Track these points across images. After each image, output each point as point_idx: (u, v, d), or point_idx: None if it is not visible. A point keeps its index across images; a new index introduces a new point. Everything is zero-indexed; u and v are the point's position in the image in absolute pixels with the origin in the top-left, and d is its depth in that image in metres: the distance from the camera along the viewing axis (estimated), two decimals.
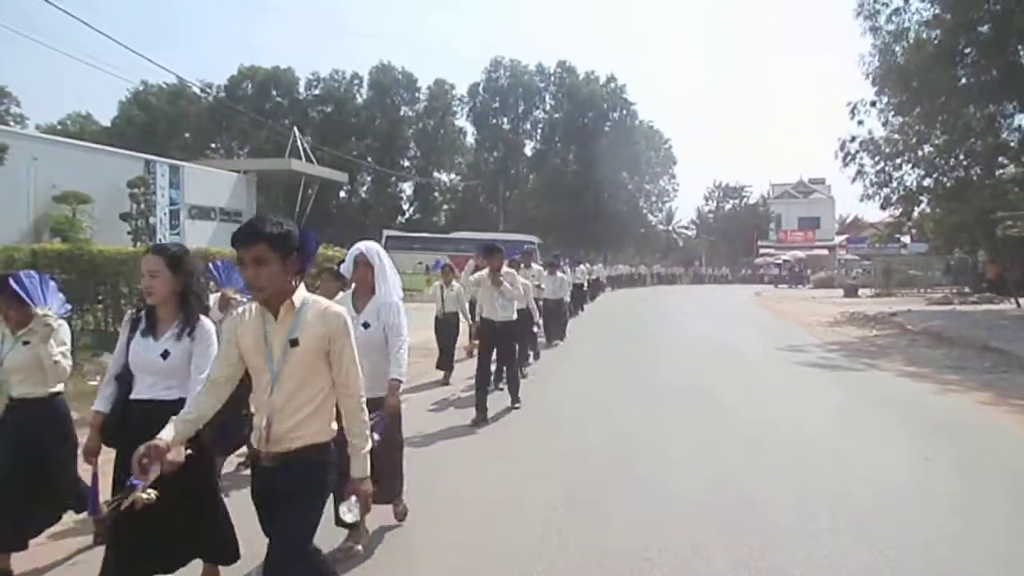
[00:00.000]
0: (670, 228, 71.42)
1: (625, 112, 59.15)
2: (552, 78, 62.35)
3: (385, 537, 4.28)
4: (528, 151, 63.56)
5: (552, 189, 57.19)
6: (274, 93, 61.39)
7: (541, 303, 12.19)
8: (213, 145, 61.80)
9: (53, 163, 23.02)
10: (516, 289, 7.79)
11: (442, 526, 4.46)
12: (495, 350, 7.94)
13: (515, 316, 8.00)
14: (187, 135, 59.84)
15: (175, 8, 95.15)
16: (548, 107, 62.84)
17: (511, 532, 4.33)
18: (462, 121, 64.89)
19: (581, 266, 23.73)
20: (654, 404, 8.34)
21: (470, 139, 65.45)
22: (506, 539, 4.23)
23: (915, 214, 26.57)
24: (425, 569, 3.85)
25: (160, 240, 26.70)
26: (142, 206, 26.80)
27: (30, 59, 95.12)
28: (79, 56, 60.60)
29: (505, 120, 63.18)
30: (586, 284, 23.68)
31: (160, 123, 56.86)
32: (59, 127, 59.03)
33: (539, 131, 63.18)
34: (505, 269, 7.91)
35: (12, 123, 52.02)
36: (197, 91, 55.71)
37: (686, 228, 73.59)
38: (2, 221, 19.60)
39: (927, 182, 22.69)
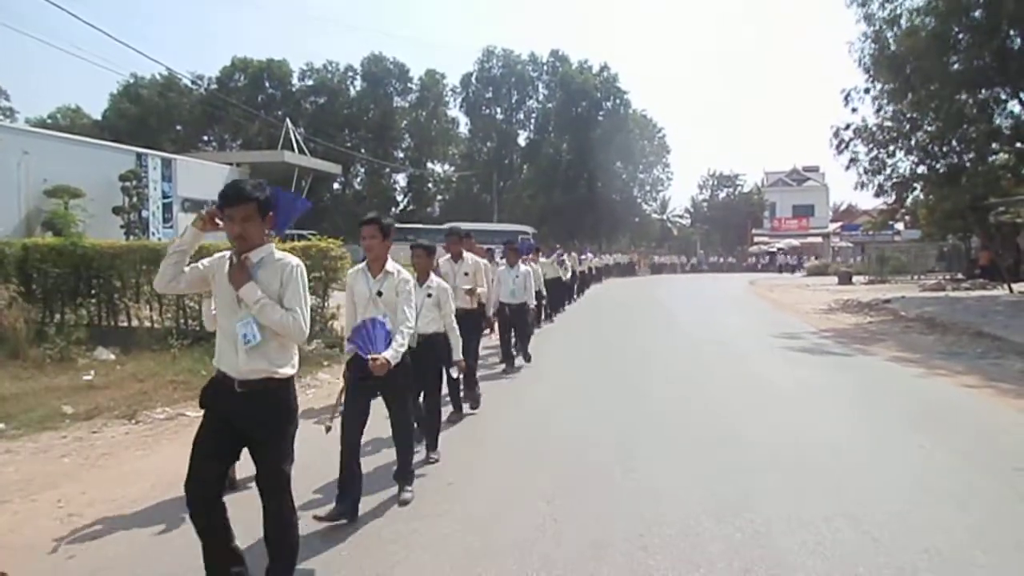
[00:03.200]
0: (664, 217, 71.50)
1: (618, 101, 59.08)
2: (545, 67, 62.33)
3: (380, 529, 4.29)
4: (522, 141, 63.58)
5: (546, 179, 57.18)
6: (267, 85, 61.12)
7: (493, 311, 9.19)
8: (205, 137, 61.61)
9: (44, 157, 22.92)
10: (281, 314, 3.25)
11: (437, 517, 4.47)
12: None
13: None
14: (179, 128, 59.60)
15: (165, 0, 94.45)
16: (541, 97, 62.86)
17: (506, 523, 4.34)
18: (455, 111, 64.93)
19: (564, 257, 19.87)
20: (648, 397, 8.36)
21: (463, 129, 65.49)
22: (502, 530, 4.24)
23: (908, 201, 26.64)
24: (421, 560, 3.86)
25: (153, 233, 26.62)
26: (134, 199, 26.72)
27: (19, 52, 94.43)
28: (68, 49, 60.24)
29: (498, 110, 63.13)
30: (570, 275, 20.47)
31: (151, 116, 56.60)
32: (49, 121, 58.68)
33: (532, 121, 63.18)
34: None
35: (2, 117, 51.72)
36: (188, 83, 55.42)
37: (680, 217, 73.69)
38: None
39: (920, 169, 22.75)
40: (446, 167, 66.61)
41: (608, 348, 12.62)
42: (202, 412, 3.32)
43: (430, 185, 65.97)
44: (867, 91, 22.15)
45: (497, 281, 9.91)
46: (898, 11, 20.70)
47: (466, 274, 7.56)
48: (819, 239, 59.05)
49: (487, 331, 9.16)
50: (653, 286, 34.25)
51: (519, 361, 10.43)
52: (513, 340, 10.23)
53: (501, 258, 11.26)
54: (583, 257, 27.14)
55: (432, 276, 5.77)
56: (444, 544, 4.05)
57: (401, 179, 65.53)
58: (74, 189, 22.82)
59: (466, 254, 7.57)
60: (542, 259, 16.42)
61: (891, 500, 4.66)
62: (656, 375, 9.67)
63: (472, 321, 7.44)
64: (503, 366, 10.01)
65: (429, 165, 65.22)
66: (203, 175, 32.15)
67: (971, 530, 4.17)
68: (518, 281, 10.17)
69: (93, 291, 11.37)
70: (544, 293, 14.38)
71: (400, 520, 4.42)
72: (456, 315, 6.07)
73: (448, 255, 7.64)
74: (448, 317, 5.74)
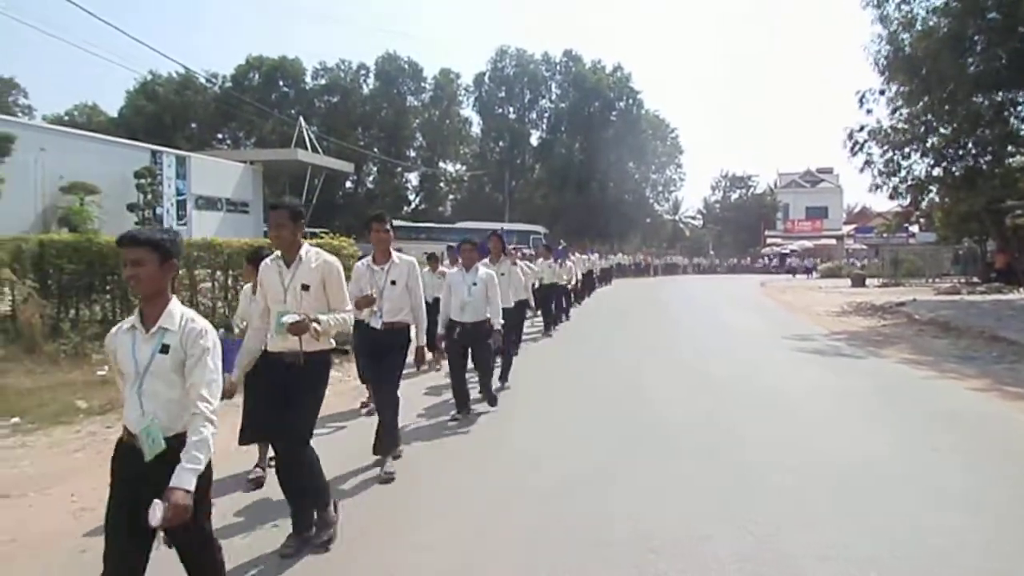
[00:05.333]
0: (677, 218, 71.26)
1: (631, 101, 58.92)
2: (558, 67, 62.22)
3: (382, 529, 4.30)
4: (534, 141, 63.50)
5: (558, 179, 57.13)
6: (280, 83, 61.38)
7: (442, 331, 7.06)
8: (220, 135, 61.94)
9: (60, 154, 23.14)
10: None
11: (443, 516, 4.48)
12: None
13: None
14: (194, 125, 59.92)
15: None
16: (554, 96, 62.73)
17: (511, 522, 4.35)
18: (468, 111, 65.01)
19: (571, 258, 17.80)
20: (655, 398, 8.34)
21: (476, 129, 65.53)
22: (507, 529, 4.25)
23: (923, 204, 26.45)
24: (424, 560, 3.87)
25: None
26: (149, 196, 26.92)
27: (37, 50, 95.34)
28: (86, 47, 60.77)
29: (511, 110, 63.08)
30: (573, 279, 17.95)
31: (167, 114, 56.95)
32: (66, 118, 59.22)
33: (545, 120, 63.06)
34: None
35: (20, 114, 52.23)
36: (203, 81, 55.75)
37: (693, 218, 73.43)
38: (10, 211, 19.73)
39: (936, 171, 22.55)
40: (458, 166, 66.69)
41: (614, 348, 12.59)
42: None
43: (442, 184, 66.07)
44: (882, 93, 22.01)
45: (447, 290, 7.17)
46: (913, 12, 20.56)
47: (305, 287, 3.97)
48: (833, 241, 58.68)
49: (425, 366, 7.23)
50: (663, 287, 34.12)
51: (483, 404, 7.50)
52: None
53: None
54: (589, 257, 25.44)
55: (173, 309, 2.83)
56: (447, 544, 4.05)
57: (413, 178, 65.73)
58: (90, 186, 23.03)
59: (310, 253, 4.05)
60: (539, 260, 14.94)
61: (903, 503, 4.62)
62: (663, 376, 9.64)
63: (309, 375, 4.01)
64: (453, 412, 7.07)
65: (441, 164, 65.31)
66: (217, 173, 32.35)
67: (983, 534, 4.13)
68: (475, 291, 6.98)
69: (108, 287, 11.46)
70: (531, 302, 11.94)
71: (403, 520, 4.42)
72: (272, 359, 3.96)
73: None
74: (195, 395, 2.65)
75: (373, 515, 4.48)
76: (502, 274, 8.44)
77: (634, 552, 3.89)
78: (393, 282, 5.40)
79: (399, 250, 5.65)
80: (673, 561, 3.79)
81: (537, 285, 13.51)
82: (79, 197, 22.61)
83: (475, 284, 7.00)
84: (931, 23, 20.02)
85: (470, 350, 7.10)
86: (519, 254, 12.78)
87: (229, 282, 11.40)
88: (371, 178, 63.76)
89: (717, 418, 7.06)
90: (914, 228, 42.77)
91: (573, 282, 17.74)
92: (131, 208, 25.80)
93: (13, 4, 57.23)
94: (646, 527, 4.22)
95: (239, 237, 14.66)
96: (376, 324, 5.32)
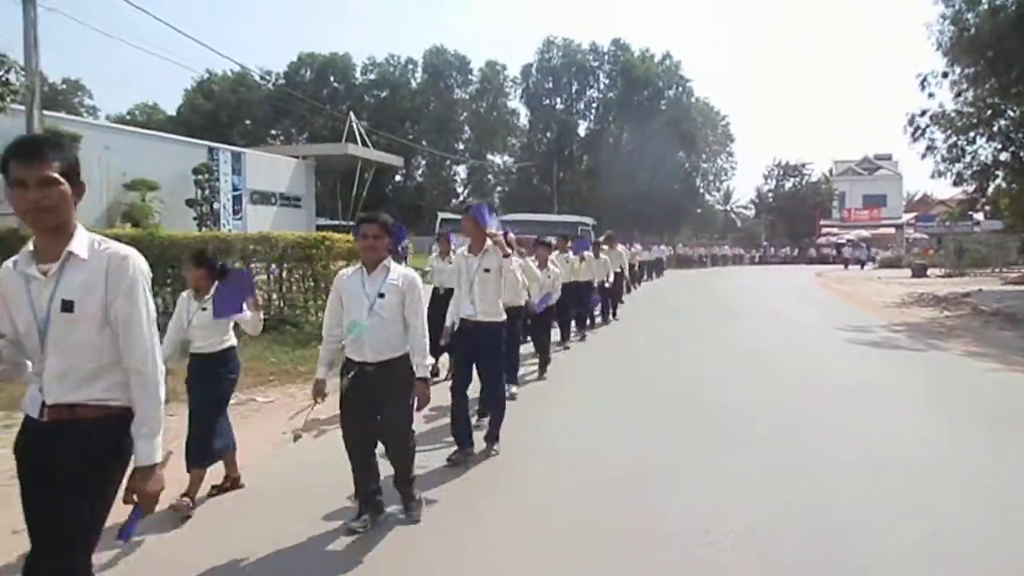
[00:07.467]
0: (728, 208, 69.99)
1: (681, 89, 58.04)
2: (606, 57, 61.61)
3: (423, 525, 4.30)
4: (582, 131, 63.07)
5: (606, 169, 56.59)
6: (331, 79, 62.36)
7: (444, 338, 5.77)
8: (273, 131, 63.21)
9: (123, 152, 23.86)
10: None
11: (490, 508, 4.50)
12: None
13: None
14: (248, 122, 61.30)
15: None
16: (602, 86, 62.17)
17: (570, 513, 4.35)
18: (515, 102, 64.89)
19: (603, 250, 13.56)
20: (711, 392, 8.22)
21: (523, 120, 65.37)
22: (566, 520, 4.25)
23: (990, 190, 25.40)
24: (476, 549, 3.89)
25: (224, 225, 27.51)
26: (206, 192, 27.56)
27: (100, 52, 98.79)
28: (146, 47, 62.88)
29: (558, 100, 62.76)
30: (609, 277, 13.48)
31: (223, 111, 58.40)
32: (128, 117, 61.19)
33: (593, 111, 62.58)
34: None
35: (85, 114, 54.20)
36: (258, 79, 56.96)
37: (745, 208, 72.01)
38: (78, 208, 20.46)
39: (1003, 156, 21.65)
40: (506, 158, 66.75)
41: (669, 341, 12.44)
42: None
43: (490, 176, 66.21)
44: (945, 75, 21.17)
45: (335, 297, 4.31)
46: None
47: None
48: (892, 230, 56.87)
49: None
50: (714, 280, 33.58)
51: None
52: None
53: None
54: (630, 250, 23.20)
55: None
56: (494, 536, 4.06)
57: (461, 171, 66.08)
58: (151, 182, 23.71)
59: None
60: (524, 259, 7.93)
61: (968, 502, 4.48)
62: (720, 369, 9.50)
63: None
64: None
65: (489, 156, 65.46)
66: (271, 168, 33.02)
67: None
68: (380, 306, 4.06)
69: (169, 280, 11.83)
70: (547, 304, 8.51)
71: (449, 515, 4.44)
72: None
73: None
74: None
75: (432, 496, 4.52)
76: (487, 270, 5.58)
77: (693, 545, 3.85)
78: (67, 303, 2.36)
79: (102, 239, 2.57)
80: (731, 555, 3.73)
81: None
82: (141, 193, 23.32)
83: (381, 296, 4.08)
84: (997, 1, 19.18)
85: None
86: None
87: (284, 275, 11.76)
88: (420, 171, 64.33)
89: (779, 412, 6.93)
90: (979, 216, 41.04)
91: (601, 280, 12.86)
92: (189, 203, 26.49)
93: (78, 8, 59.39)
94: (705, 520, 4.17)
95: (293, 230, 14.99)
96: (33, 412, 2.36)
